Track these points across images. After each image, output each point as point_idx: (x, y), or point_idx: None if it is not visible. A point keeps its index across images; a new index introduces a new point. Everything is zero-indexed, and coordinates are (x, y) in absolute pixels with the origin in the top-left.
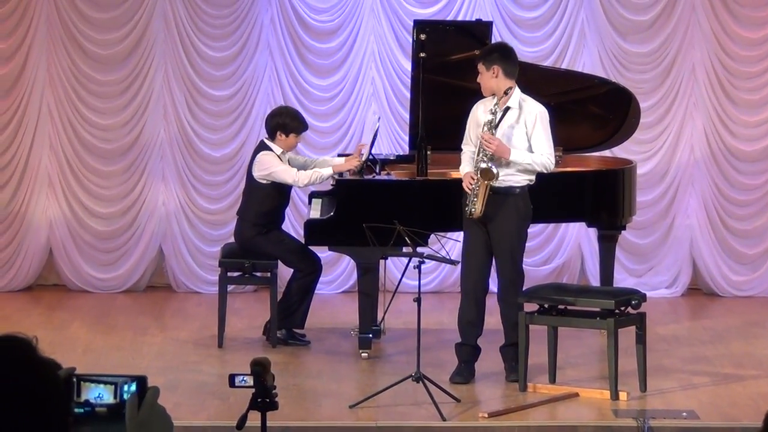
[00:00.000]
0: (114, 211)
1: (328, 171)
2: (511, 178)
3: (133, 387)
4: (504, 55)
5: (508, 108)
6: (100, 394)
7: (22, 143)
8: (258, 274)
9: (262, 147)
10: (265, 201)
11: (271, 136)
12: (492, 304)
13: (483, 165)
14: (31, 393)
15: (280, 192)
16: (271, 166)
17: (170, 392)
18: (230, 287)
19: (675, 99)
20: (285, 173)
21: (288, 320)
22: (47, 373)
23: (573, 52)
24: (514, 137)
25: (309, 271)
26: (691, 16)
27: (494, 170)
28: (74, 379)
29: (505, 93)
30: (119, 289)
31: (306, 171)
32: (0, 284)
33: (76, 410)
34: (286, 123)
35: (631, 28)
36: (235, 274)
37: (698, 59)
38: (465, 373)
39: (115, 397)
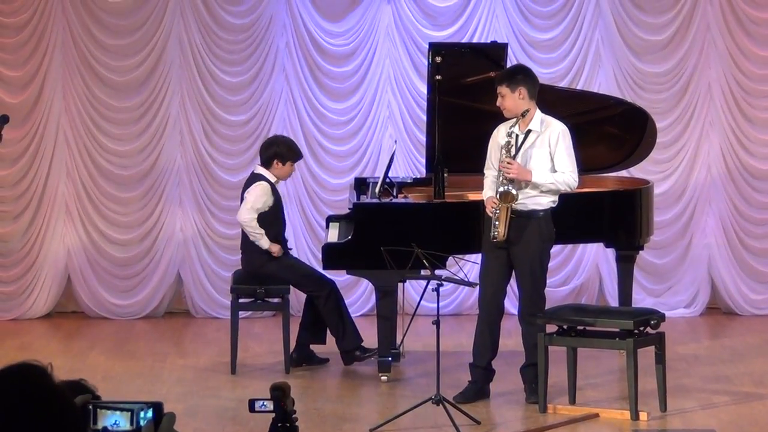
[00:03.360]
0: (132, 238)
1: (264, 242)
2: (534, 200)
3: (150, 413)
4: (528, 75)
5: (529, 131)
6: (116, 421)
7: (39, 171)
8: (270, 299)
9: (255, 178)
10: (268, 229)
11: (267, 165)
12: (511, 326)
13: (502, 188)
14: (46, 420)
15: (277, 217)
16: (251, 197)
17: (190, 418)
18: (249, 312)
19: (691, 118)
20: (244, 208)
21: (346, 342)
22: (63, 401)
23: (588, 73)
24: (537, 159)
25: (326, 293)
26: (706, 35)
27: (513, 192)
28: (90, 407)
29: (522, 115)
30: (138, 315)
31: (255, 225)
32: (19, 312)
33: None
34: (282, 152)
35: (646, 48)
36: (248, 300)
37: (714, 78)
38: (469, 393)
39: (131, 424)
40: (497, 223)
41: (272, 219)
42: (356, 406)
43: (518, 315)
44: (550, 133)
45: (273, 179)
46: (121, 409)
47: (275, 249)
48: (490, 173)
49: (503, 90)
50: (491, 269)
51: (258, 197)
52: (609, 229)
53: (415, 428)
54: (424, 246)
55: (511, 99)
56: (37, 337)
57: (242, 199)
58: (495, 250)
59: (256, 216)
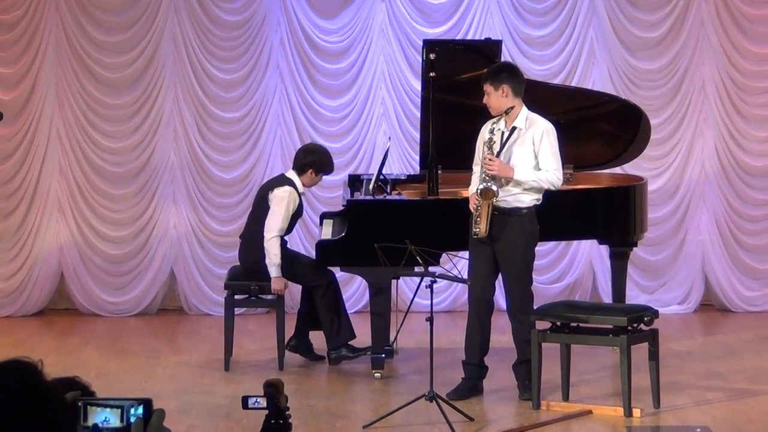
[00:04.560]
0: (125, 235)
1: (274, 271)
2: (516, 198)
3: (140, 410)
4: (512, 73)
5: (514, 128)
6: (106, 418)
7: (32, 167)
8: (264, 296)
9: (285, 181)
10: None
11: (301, 171)
12: (503, 323)
13: (482, 185)
14: (38, 417)
15: (292, 223)
16: (279, 209)
17: (184, 415)
18: (243, 308)
19: (685, 115)
20: (274, 225)
21: (339, 337)
22: (54, 397)
23: (582, 70)
24: (520, 156)
25: (326, 283)
26: (700, 31)
27: (494, 189)
28: (80, 404)
29: (506, 112)
30: (131, 312)
31: (277, 246)
32: (12, 309)
33: None
34: (322, 162)
35: (640, 44)
36: (242, 296)
37: (708, 75)
38: (462, 390)
39: (121, 421)
40: (478, 219)
41: (291, 222)
42: (349, 403)
43: (507, 312)
44: (534, 130)
45: (301, 188)
46: (111, 406)
47: (278, 285)
48: (477, 169)
49: (487, 88)
50: (478, 266)
51: (285, 206)
52: (603, 225)
53: (408, 425)
54: (418, 243)
55: (495, 97)
56: (30, 334)
57: (262, 192)
58: (480, 247)
59: (283, 230)
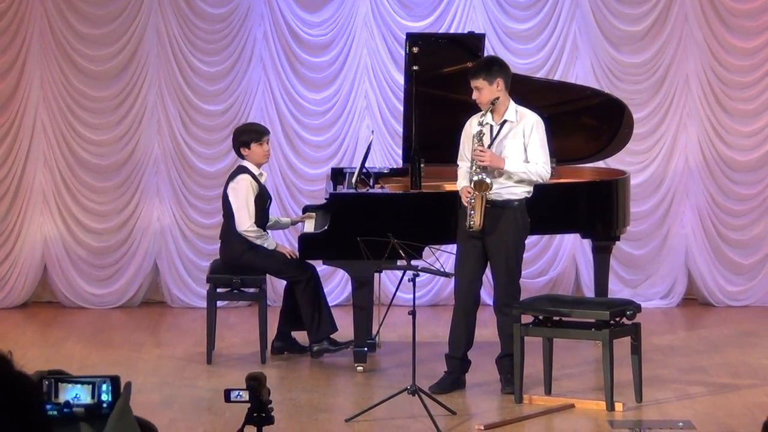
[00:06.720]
0: (109, 227)
1: (271, 244)
2: (509, 190)
3: (108, 385)
4: (502, 66)
5: (505, 121)
6: (77, 395)
7: (17, 160)
8: (246, 289)
9: (238, 171)
10: None
11: (241, 156)
12: (487, 316)
13: (476, 177)
14: (9, 408)
15: (262, 209)
16: (238, 201)
17: (166, 408)
18: (225, 302)
19: (669, 109)
20: (242, 217)
21: (321, 331)
22: (26, 387)
23: (566, 64)
24: (511, 150)
25: (307, 278)
26: (684, 26)
27: (487, 181)
28: (47, 382)
29: (492, 104)
30: (114, 304)
31: (256, 230)
32: None
33: (53, 412)
34: (242, 140)
35: (623, 38)
36: (224, 290)
37: (691, 69)
38: (444, 383)
39: (92, 398)
40: (473, 212)
41: (258, 210)
42: (332, 397)
43: (494, 305)
44: (524, 123)
45: (255, 170)
46: (82, 383)
47: (285, 250)
48: (463, 164)
49: (480, 83)
50: (467, 259)
51: (244, 196)
52: (585, 219)
53: (390, 418)
54: (401, 236)
55: (488, 91)
56: (13, 327)
57: (224, 190)
58: (470, 240)
59: (254, 219)
